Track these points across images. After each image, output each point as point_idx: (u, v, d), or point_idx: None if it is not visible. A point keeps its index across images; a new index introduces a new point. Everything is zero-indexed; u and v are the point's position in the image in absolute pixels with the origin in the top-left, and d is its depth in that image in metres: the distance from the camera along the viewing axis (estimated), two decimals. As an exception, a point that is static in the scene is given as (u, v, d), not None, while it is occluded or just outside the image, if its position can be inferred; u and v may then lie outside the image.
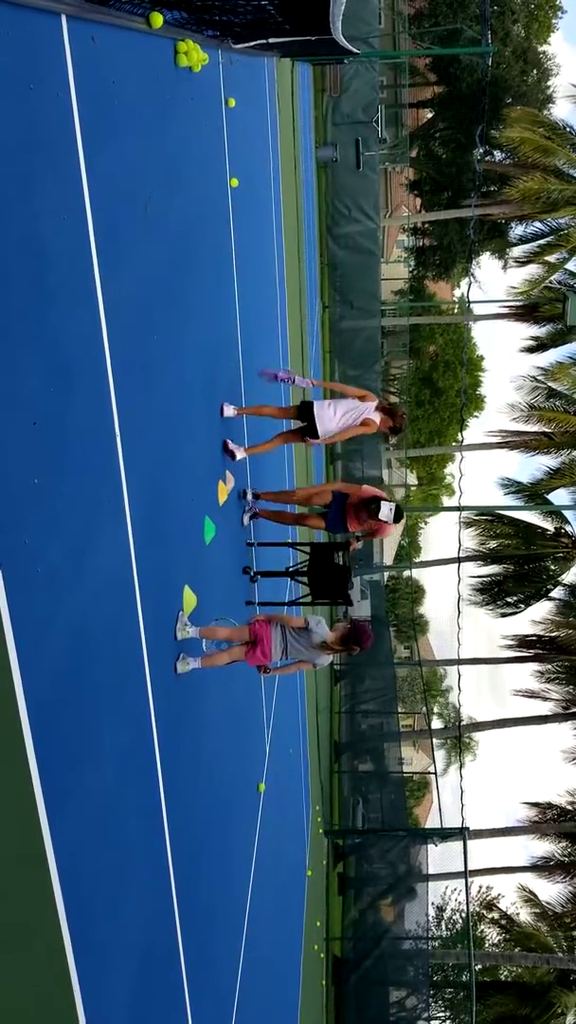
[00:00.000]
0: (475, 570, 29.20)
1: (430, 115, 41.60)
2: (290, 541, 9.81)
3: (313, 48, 14.93)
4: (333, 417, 7.84)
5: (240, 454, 7.77)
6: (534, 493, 28.09)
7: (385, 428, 8.07)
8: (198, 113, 6.97)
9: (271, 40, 9.54)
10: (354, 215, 27.26)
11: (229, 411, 7.50)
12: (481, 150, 30.18)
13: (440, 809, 22.93)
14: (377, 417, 7.88)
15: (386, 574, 43.09)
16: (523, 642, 28.49)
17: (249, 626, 6.18)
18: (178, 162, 6.13)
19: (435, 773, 24.89)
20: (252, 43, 8.97)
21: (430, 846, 20.90)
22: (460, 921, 28.48)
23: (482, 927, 27.25)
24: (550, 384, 28.56)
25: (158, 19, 5.02)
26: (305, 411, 7.85)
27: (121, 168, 4.64)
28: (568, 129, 29.37)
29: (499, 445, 30.28)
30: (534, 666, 28.10)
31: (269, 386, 9.72)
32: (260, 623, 6.20)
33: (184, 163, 6.34)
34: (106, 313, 4.17)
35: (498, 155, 34.67)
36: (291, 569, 9.12)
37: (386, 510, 7.89)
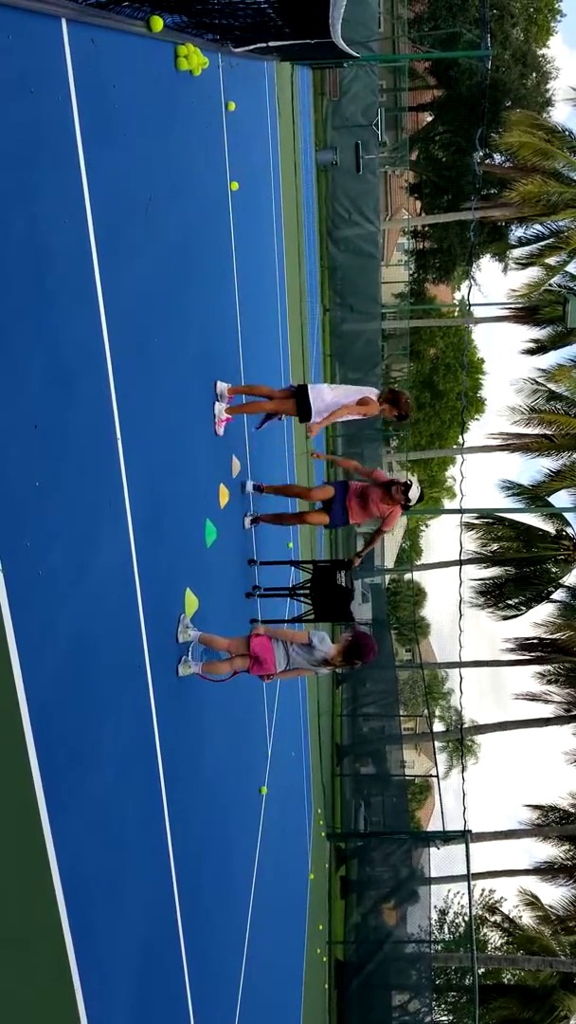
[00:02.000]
0: (476, 573, 29.21)
1: (430, 118, 41.66)
2: (292, 560, 9.83)
3: (313, 52, 14.96)
4: (328, 392, 7.81)
5: (223, 415, 7.37)
6: (535, 495, 28.09)
7: (391, 415, 8.04)
8: (198, 117, 6.98)
9: (271, 43, 9.56)
10: (354, 218, 27.28)
11: (222, 386, 7.32)
12: (481, 153, 30.19)
13: (442, 812, 22.93)
14: (377, 405, 7.87)
15: (387, 577, 43.08)
16: (524, 645, 28.48)
17: (248, 640, 6.08)
18: (178, 166, 6.14)
19: (437, 776, 24.85)
20: (252, 47, 8.98)
21: (432, 849, 20.88)
22: (463, 924, 28.44)
23: (485, 930, 27.20)
24: (550, 386, 28.57)
25: (158, 23, 5.03)
26: (301, 395, 7.76)
27: (121, 172, 4.65)
28: (567, 132, 29.42)
29: (500, 448, 30.28)
30: (535, 668, 28.08)
31: (267, 373, 9.72)
32: (260, 640, 6.09)
33: (184, 167, 6.35)
34: (107, 316, 4.17)
35: (498, 158, 34.72)
36: (293, 587, 9.14)
37: (416, 491, 8.16)
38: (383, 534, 8.99)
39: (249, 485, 8.68)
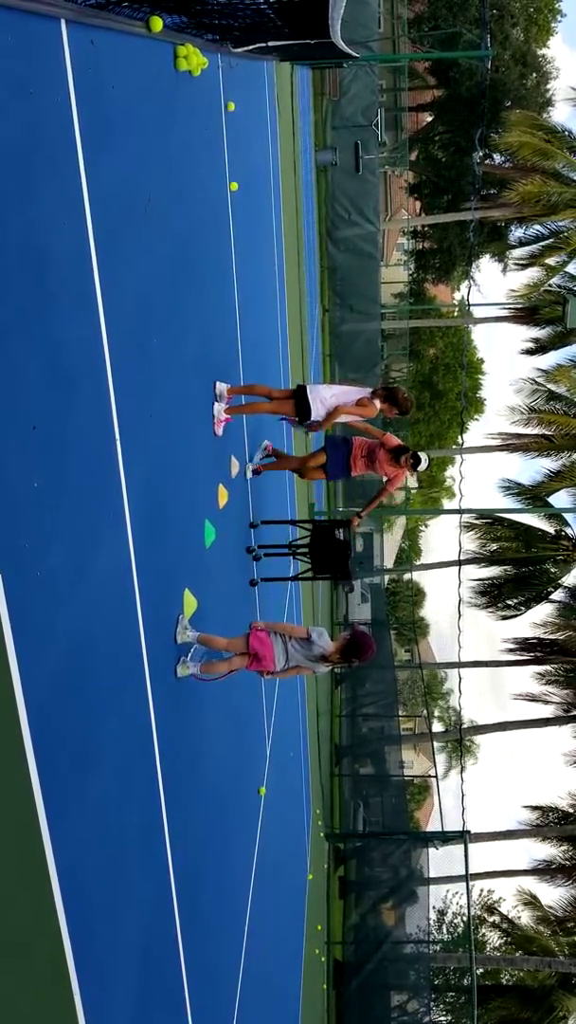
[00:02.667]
0: (475, 573, 29.21)
1: (430, 118, 41.67)
2: (291, 520, 9.90)
3: (312, 52, 14.94)
4: (326, 392, 7.84)
5: (222, 415, 7.35)
6: (535, 496, 28.08)
7: (392, 415, 8.10)
8: (198, 117, 6.98)
9: (270, 44, 9.55)
10: (354, 218, 27.27)
11: (221, 387, 7.30)
12: (480, 153, 30.18)
13: (441, 812, 22.92)
14: (376, 404, 7.88)
15: (386, 577, 43.08)
16: (524, 645, 28.49)
17: (247, 637, 6.08)
18: (178, 166, 6.14)
19: (436, 776, 24.84)
20: (251, 47, 8.97)
21: (431, 849, 20.87)
22: (461, 925, 28.45)
23: (483, 930, 27.21)
24: (550, 387, 28.57)
25: (158, 23, 5.02)
26: (300, 395, 7.79)
27: (121, 172, 4.64)
28: (567, 132, 29.42)
29: (499, 448, 30.28)
30: (535, 669, 28.08)
31: (267, 373, 9.73)
32: (259, 637, 6.08)
33: (184, 167, 6.34)
34: (106, 317, 4.17)
35: (498, 158, 34.72)
36: (292, 542, 9.27)
37: (424, 460, 8.43)
38: (387, 494, 9.07)
39: (252, 466, 8.82)
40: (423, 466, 8.42)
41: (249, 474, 8.78)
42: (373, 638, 6.48)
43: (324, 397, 7.77)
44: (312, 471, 9.04)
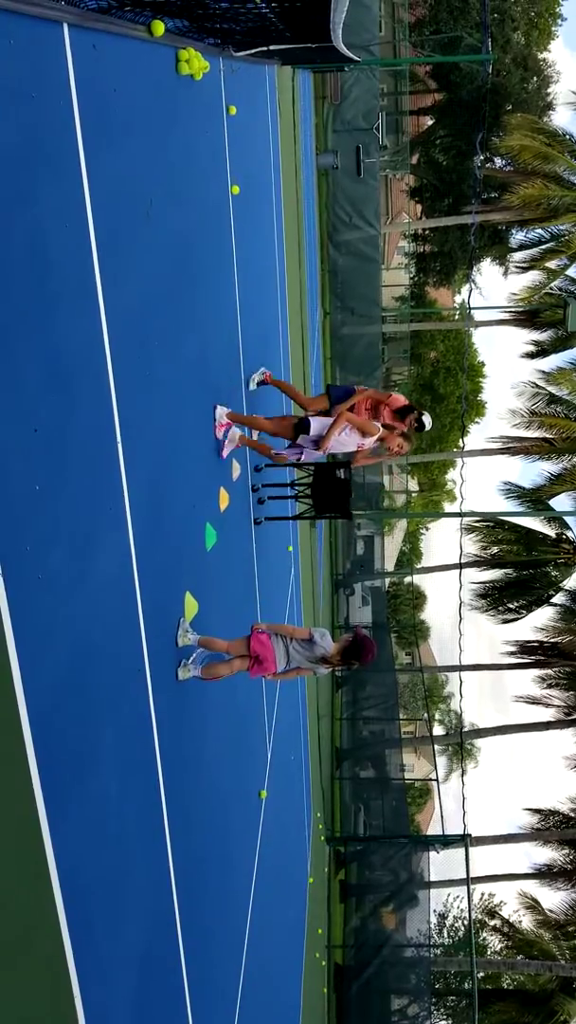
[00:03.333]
0: (476, 576, 29.20)
1: (430, 122, 41.70)
2: (293, 463, 10.01)
3: (314, 55, 14.98)
4: (327, 424, 7.87)
5: (223, 421, 7.32)
6: (535, 499, 28.08)
7: (395, 449, 8.22)
8: (199, 121, 6.99)
9: (272, 47, 9.57)
10: (355, 222, 27.30)
11: (220, 412, 7.34)
12: (481, 157, 30.22)
13: (442, 816, 22.92)
14: (379, 426, 7.96)
15: (387, 580, 43.05)
16: (525, 648, 28.46)
17: (249, 639, 6.07)
18: (180, 170, 6.15)
19: (437, 780, 24.84)
20: (253, 51, 9.00)
21: (432, 853, 20.85)
22: (462, 928, 28.40)
23: (484, 934, 27.18)
24: (551, 390, 28.57)
25: (160, 27, 5.04)
26: (301, 427, 7.87)
27: (122, 176, 4.65)
28: (568, 136, 29.46)
29: (500, 451, 30.28)
30: (536, 672, 28.06)
31: (269, 394, 9.74)
32: (260, 640, 6.07)
33: (185, 171, 6.35)
34: (107, 320, 4.17)
35: (498, 162, 34.75)
36: (293, 483, 9.49)
37: (428, 421, 8.61)
38: (386, 457, 9.19)
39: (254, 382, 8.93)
40: (427, 425, 8.61)
41: (253, 385, 8.92)
42: (374, 641, 6.48)
43: (325, 423, 7.85)
44: (315, 403, 9.15)
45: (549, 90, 37.72)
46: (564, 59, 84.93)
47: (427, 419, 8.69)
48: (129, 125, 4.82)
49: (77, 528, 3.75)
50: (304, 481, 9.31)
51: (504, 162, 33.77)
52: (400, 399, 8.76)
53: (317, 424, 7.85)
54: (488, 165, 33.80)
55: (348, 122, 27.00)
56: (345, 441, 7.88)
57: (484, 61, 24.26)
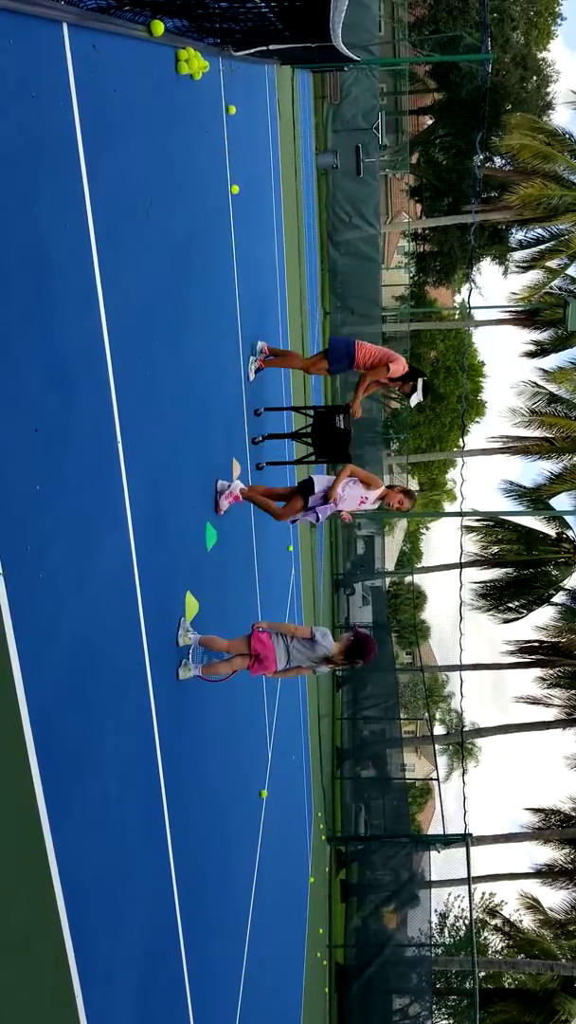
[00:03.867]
0: (477, 575, 29.20)
1: (430, 122, 41.69)
2: (293, 406, 10.10)
3: (313, 55, 14.98)
4: (330, 480, 7.63)
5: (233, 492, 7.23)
6: (536, 498, 28.09)
7: (396, 506, 7.84)
8: (199, 120, 6.99)
9: (272, 47, 9.57)
10: (354, 221, 27.29)
11: (227, 484, 7.14)
12: (481, 156, 30.22)
13: (443, 815, 22.93)
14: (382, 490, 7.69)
15: (387, 580, 43.06)
16: (525, 648, 28.47)
17: (249, 638, 6.07)
18: (179, 169, 6.15)
19: (437, 779, 24.84)
20: (253, 50, 8.99)
21: (433, 853, 20.87)
22: (463, 928, 28.41)
23: (485, 934, 27.18)
24: (551, 389, 28.59)
25: (159, 27, 5.04)
26: (304, 487, 7.71)
27: (122, 176, 4.65)
28: (568, 135, 29.46)
29: (500, 450, 30.30)
30: (536, 672, 28.06)
31: (267, 374, 9.79)
32: (260, 639, 6.07)
33: (185, 170, 6.35)
34: (108, 320, 4.17)
35: (498, 161, 34.75)
36: (296, 432, 9.57)
37: (416, 396, 8.85)
38: (381, 385, 9.31)
39: (252, 367, 8.96)
40: (414, 401, 8.88)
41: (252, 375, 8.95)
42: (375, 639, 6.49)
43: (328, 479, 7.64)
44: (317, 366, 9.30)
45: (548, 89, 37.73)
46: (563, 58, 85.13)
47: (418, 393, 8.84)
48: (129, 125, 4.82)
49: (77, 528, 3.75)
50: (305, 432, 9.44)
51: (504, 161, 33.77)
52: (400, 368, 8.80)
53: (321, 482, 7.68)
54: (488, 164, 33.80)
55: (348, 122, 26.99)
56: (349, 496, 7.56)
57: (483, 61, 24.20)
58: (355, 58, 18.94)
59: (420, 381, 8.94)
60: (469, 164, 34.20)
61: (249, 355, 8.92)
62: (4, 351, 3.13)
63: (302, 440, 9.57)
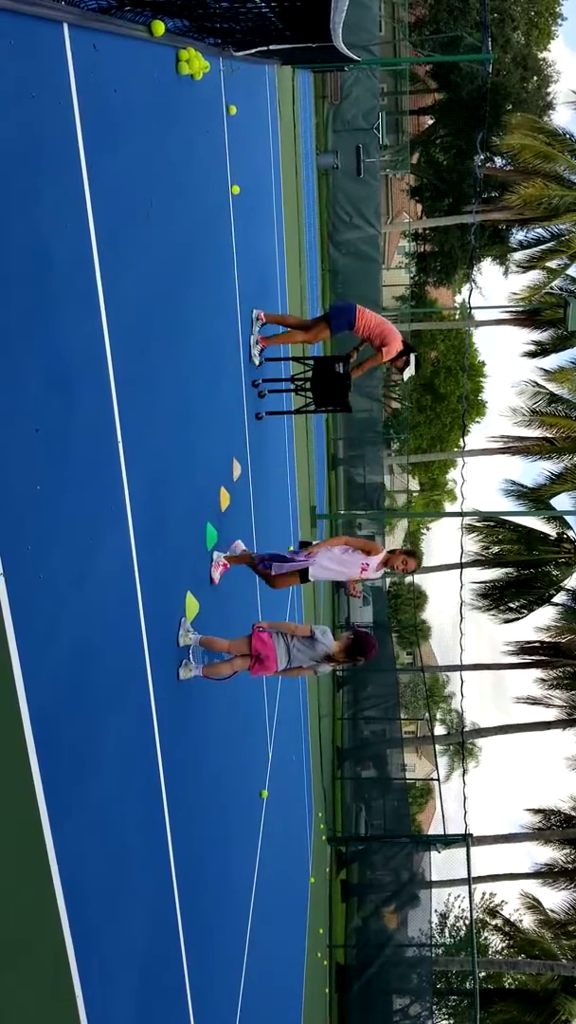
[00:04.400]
0: (477, 575, 29.19)
1: (431, 122, 41.68)
2: (293, 356, 10.12)
3: (314, 55, 14.98)
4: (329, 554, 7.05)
5: (221, 560, 6.83)
6: (536, 498, 28.07)
7: (399, 566, 7.25)
8: (199, 120, 6.99)
9: (272, 47, 9.57)
10: (355, 221, 27.30)
11: (218, 556, 6.74)
12: (482, 156, 30.19)
13: (443, 815, 22.95)
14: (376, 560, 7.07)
15: (388, 580, 43.04)
16: (526, 648, 28.45)
17: (250, 638, 6.07)
18: (180, 170, 6.15)
19: (438, 779, 24.84)
20: (253, 50, 8.99)
21: (433, 853, 20.86)
22: (463, 928, 28.41)
23: (485, 934, 27.17)
24: (551, 389, 28.57)
25: (160, 27, 5.04)
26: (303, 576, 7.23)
27: (123, 176, 4.65)
28: (568, 135, 29.44)
29: (501, 450, 30.28)
30: (537, 672, 28.05)
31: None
32: (261, 639, 6.07)
33: (186, 170, 6.35)
34: (108, 320, 4.17)
35: (499, 161, 34.73)
36: (295, 376, 9.69)
37: (409, 370, 9.08)
38: (380, 361, 9.37)
39: (255, 346, 9.02)
40: (407, 374, 9.08)
41: (256, 359, 9.03)
42: (375, 636, 6.48)
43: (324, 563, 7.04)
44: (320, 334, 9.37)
45: (549, 89, 37.71)
46: (564, 58, 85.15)
47: (411, 367, 9.10)
48: (129, 125, 4.82)
49: (78, 528, 3.75)
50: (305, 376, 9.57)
51: (504, 162, 33.75)
52: (396, 346, 8.98)
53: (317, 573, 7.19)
54: (488, 165, 33.77)
55: (348, 122, 26.99)
56: (347, 562, 7.03)
57: (484, 61, 24.21)
58: (356, 58, 18.95)
59: (412, 356, 9.17)
60: (470, 164, 34.18)
61: (249, 335, 8.94)
62: (5, 351, 3.13)
63: (300, 391, 9.66)
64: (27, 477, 3.27)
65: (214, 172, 7.66)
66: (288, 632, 6.15)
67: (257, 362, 9.08)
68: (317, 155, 26.55)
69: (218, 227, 7.76)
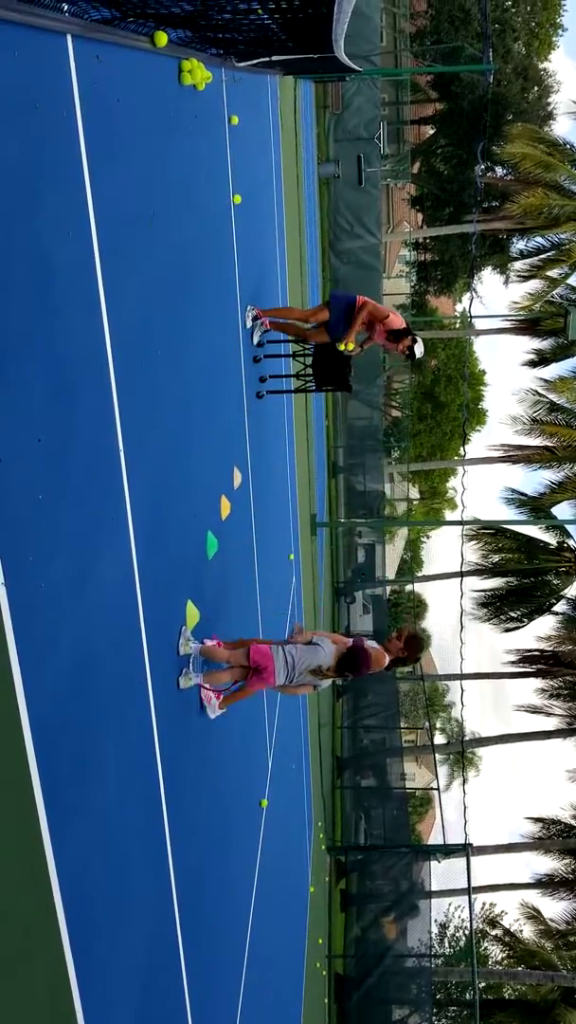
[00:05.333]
0: (478, 584, 29.17)
1: (432, 131, 41.84)
2: (293, 344, 10.09)
3: (316, 66, 15.03)
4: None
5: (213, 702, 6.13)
6: (537, 507, 28.08)
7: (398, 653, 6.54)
8: (202, 130, 7.02)
9: (274, 58, 9.61)
10: (356, 231, 27.37)
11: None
12: (482, 166, 30.31)
13: (443, 825, 22.87)
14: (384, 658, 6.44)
15: (388, 588, 43.02)
16: (526, 657, 28.41)
17: (249, 650, 6.06)
18: (182, 179, 6.17)
19: (438, 789, 24.75)
20: (255, 61, 9.03)
21: (433, 863, 20.78)
22: (463, 938, 28.30)
23: (485, 944, 27.06)
24: (552, 398, 28.60)
25: (163, 38, 5.06)
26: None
27: (125, 185, 4.67)
28: (568, 145, 29.55)
29: (501, 459, 30.29)
30: (537, 682, 28.00)
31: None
32: (260, 650, 6.04)
33: (188, 180, 6.37)
34: (110, 330, 4.18)
35: (499, 171, 34.85)
36: (295, 354, 9.70)
37: (420, 350, 8.48)
38: (374, 343, 9.08)
39: (249, 316, 8.86)
40: (419, 354, 8.52)
41: (256, 338, 8.92)
42: (369, 653, 6.28)
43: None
44: (315, 334, 9.14)
45: (550, 100, 37.87)
46: (565, 69, 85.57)
47: (419, 348, 8.55)
48: (132, 135, 4.84)
49: (79, 536, 3.75)
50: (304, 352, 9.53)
51: (505, 171, 33.86)
52: (398, 320, 8.61)
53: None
54: (489, 174, 33.88)
55: (349, 131, 27.09)
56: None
57: (485, 71, 24.34)
58: (357, 68, 19.02)
59: (417, 338, 8.72)
60: (470, 174, 34.30)
61: (246, 319, 8.84)
62: (7, 360, 3.14)
63: (301, 376, 9.65)
64: (29, 486, 3.28)
65: (216, 181, 7.69)
66: (288, 643, 6.15)
67: (256, 340, 8.97)
68: (318, 164, 26.64)
69: (220, 236, 7.78)
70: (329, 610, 26.93)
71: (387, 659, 6.36)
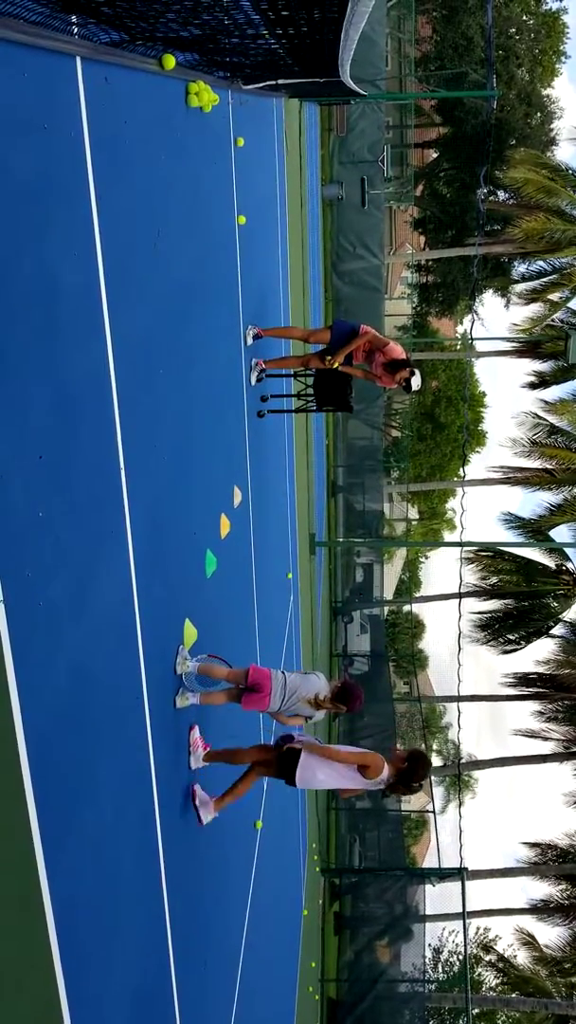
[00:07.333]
0: (476, 606, 29.10)
1: (435, 155, 42.18)
2: (295, 372, 10.14)
3: (321, 89, 15.18)
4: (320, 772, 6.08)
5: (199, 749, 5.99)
6: (536, 529, 28.07)
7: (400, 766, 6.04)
8: (208, 152, 7.07)
9: (280, 81, 9.71)
10: (359, 252, 27.54)
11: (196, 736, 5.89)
12: (485, 190, 30.53)
13: (438, 848, 22.62)
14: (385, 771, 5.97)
15: (386, 609, 42.95)
16: (524, 680, 28.31)
17: (247, 670, 6.05)
18: (188, 200, 6.21)
19: (433, 812, 24.60)
20: (262, 84, 9.12)
21: (427, 886, 20.61)
22: (457, 963, 28.02)
23: (479, 970, 26.81)
24: (552, 420, 28.67)
25: (170, 61, 5.11)
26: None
27: (132, 206, 4.70)
28: (571, 171, 29.78)
29: (501, 481, 30.33)
30: (535, 705, 27.88)
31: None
32: (261, 671, 6.04)
33: (193, 201, 6.42)
34: (114, 349, 4.20)
35: (502, 195, 35.10)
36: (296, 372, 9.88)
37: (417, 383, 8.47)
38: (373, 378, 8.97)
39: (250, 335, 8.89)
40: (415, 386, 8.51)
41: (254, 380, 9.02)
42: (361, 689, 6.36)
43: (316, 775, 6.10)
44: (316, 359, 9.12)
45: (552, 126, 38.21)
46: (567, 95, 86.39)
47: (416, 380, 8.51)
48: (139, 156, 4.88)
49: (78, 554, 3.75)
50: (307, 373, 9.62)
51: (507, 195, 34.10)
52: (397, 351, 8.52)
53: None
54: (491, 198, 34.13)
55: (354, 154, 27.31)
56: (345, 775, 6.06)
57: (488, 97, 24.57)
58: (362, 92, 19.21)
59: (415, 370, 8.65)
60: (473, 197, 34.55)
61: (245, 331, 8.88)
62: (11, 378, 3.15)
63: (302, 395, 9.80)
64: (29, 503, 3.28)
65: (221, 202, 7.74)
66: (285, 672, 6.16)
67: (249, 342, 9.00)
68: (322, 186, 26.84)
69: (224, 257, 7.82)
70: (327, 629, 26.85)
71: (387, 769, 5.93)
